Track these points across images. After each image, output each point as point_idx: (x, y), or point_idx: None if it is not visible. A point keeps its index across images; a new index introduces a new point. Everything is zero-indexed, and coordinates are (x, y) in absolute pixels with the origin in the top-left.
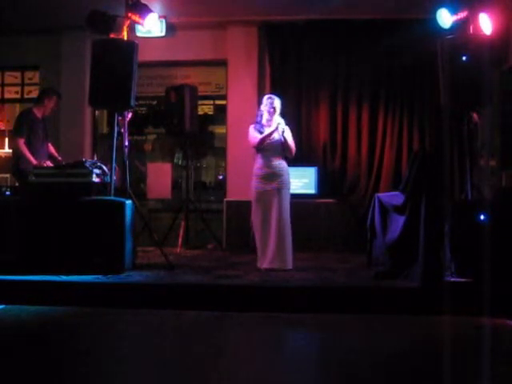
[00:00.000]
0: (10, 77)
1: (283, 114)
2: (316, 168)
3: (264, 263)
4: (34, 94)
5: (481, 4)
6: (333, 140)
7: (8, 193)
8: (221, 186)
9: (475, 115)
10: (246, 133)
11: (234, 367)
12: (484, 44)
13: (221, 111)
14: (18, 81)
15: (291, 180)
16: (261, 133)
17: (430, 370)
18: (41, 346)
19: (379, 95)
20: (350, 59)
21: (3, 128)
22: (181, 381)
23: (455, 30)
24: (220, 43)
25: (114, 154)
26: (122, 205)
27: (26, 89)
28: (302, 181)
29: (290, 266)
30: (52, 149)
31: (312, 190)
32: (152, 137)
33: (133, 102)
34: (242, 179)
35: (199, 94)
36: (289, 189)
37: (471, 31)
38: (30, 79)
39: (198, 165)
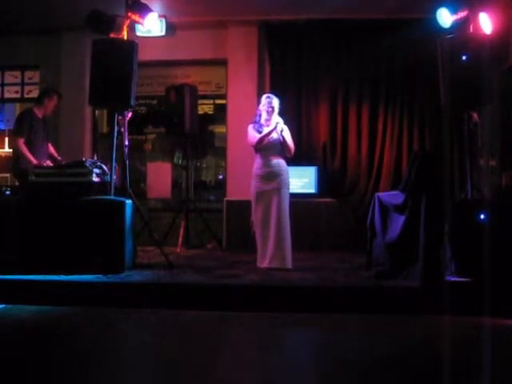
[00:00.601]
0: (10, 76)
1: (283, 114)
2: (316, 167)
3: (264, 263)
4: (34, 94)
5: (481, 3)
6: (333, 139)
7: (8, 192)
8: (221, 186)
9: (475, 115)
10: (246, 132)
11: (233, 367)
12: (484, 43)
13: (221, 111)
14: (18, 80)
15: (291, 179)
16: (259, 132)
17: (429, 370)
18: (41, 346)
19: (379, 95)
20: (350, 59)
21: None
22: (181, 381)
23: (455, 30)
24: (220, 43)
25: (114, 154)
26: (122, 204)
27: (26, 88)
28: (301, 180)
29: (289, 265)
30: (52, 149)
31: (312, 190)
32: (152, 136)
33: (133, 102)
34: (242, 179)
35: (199, 93)
36: (288, 188)
37: (471, 31)
38: (30, 79)
39: (198, 164)
